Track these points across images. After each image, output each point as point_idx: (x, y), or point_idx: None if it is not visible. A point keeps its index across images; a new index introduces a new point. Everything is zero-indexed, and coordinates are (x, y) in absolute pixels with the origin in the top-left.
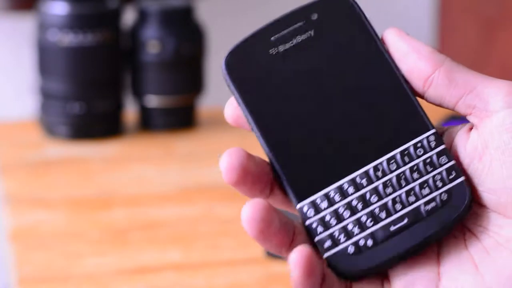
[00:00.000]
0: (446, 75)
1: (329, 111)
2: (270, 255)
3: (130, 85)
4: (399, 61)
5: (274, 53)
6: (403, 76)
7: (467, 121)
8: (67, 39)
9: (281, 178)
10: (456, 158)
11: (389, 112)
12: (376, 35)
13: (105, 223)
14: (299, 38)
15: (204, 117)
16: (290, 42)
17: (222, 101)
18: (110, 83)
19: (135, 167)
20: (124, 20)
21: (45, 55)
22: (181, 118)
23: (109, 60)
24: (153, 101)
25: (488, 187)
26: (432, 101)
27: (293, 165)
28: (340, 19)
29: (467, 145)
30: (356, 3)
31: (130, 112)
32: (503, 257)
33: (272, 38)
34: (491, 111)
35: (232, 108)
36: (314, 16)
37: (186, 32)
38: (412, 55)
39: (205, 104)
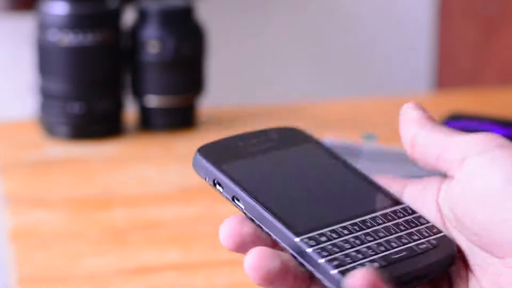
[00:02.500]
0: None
1: (304, 187)
2: None
3: (130, 85)
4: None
5: (242, 150)
6: (360, 172)
7: (468, 121)
8: (67, 39)
9: (276, 226)
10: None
11: (361, 193)
12: (328, 147)
13: (105, 223)
14: (263, 146)
15: (204, 117)
16: (256, 147)
17: (222, 101)
18: (110, 83)
19: (135, 167)
20: (124, 20)
21: (45, 55)
22: (181, 118)
23: (109, 60)
24: (153, 101)
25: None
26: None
27: (286, 212)
28: (295, 138)
29: (443, 195)
30: (304, 130)
31: (130, 112)
32: None
33: (240, 143)
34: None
35: (231, 228)
36: (274, 136)
37: (186, 32)
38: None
39: (205, 104)
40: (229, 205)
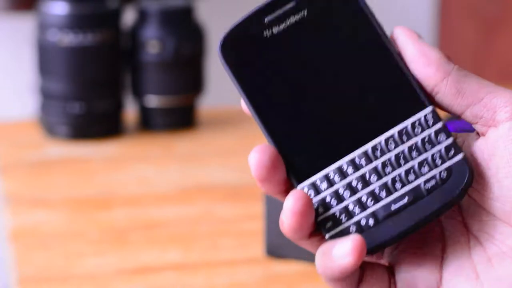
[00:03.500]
0: (454, 85)
1: (325, 93)
2: (270, 255)
3: (130, 85)
4: (407, 64)
5: (268, 35)
6: (399, 55)
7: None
8: (67, 39)
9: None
10: None
11: (385, 91)
12: (371, 14)
13: (105, 223)
14: (292, 19)
15: (204, 117)
16: (284, 23)
17: (222, 101)
18: (110, 83)
19: (135, 167)
20: (124, 20)
21: (45, 55)
22: (181, 118)
23: (109, 60)
24: (153, 101)
25: (494, 194)
26: (439, 107)
27: (291, 147)
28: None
29: (474, 152)
30: None
31: (130, 112)
32: (504, 266)
33: (266, 20)
34: (498, 121)
35: None
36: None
37: (186, 32)
38: (420, 61)
39: (205, 104)
40: (229, 206)
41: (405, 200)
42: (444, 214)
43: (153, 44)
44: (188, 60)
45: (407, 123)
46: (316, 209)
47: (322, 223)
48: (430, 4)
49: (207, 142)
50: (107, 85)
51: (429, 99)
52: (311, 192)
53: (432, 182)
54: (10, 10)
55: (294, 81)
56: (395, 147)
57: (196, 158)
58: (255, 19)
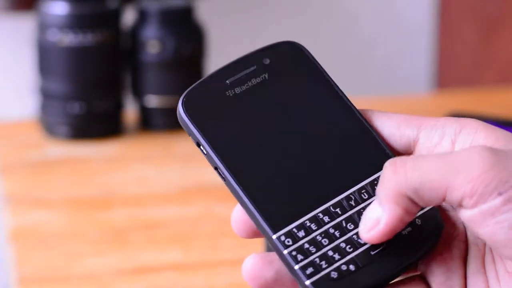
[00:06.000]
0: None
1: (294, 147)
2: None
3: (130, 85)
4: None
5: (230, 95)
6: (359, 113)
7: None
8: (67, 39)
9: (253, 213)
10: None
11: (353, 146)
12: (326, 73)
13: (105, 223)
14: (254, 81)
15: None
16: (245, 85)
17: None
18: (110, 83)
19: (135, 167)
20: (124, 20)
21: (45, 55)
22: None
23: (109, 60)
24: (153, 101)
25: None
26: None
27: (265, 200)
28: (291, 63)
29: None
30: (304, 47)
31: (130, 112)
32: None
33: (228, 81)
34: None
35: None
36: (266, 61)
37: (186, 32)
38: None
39: None
40: (229, 206)
41: (383, 246)
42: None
43: (153, 44)
44: (188, 60)
45: (378, 175)
46: (295, 257)
47: (302, 269)
48: (430, 4)
49: None
50: (107, 85)
51: (395, 152)
52: (288, 241)
53: (408, 229)
54: (10, 10)
55: (260, 137)
56: (368, 197)
57: (196, 158)
58: (217, 79)
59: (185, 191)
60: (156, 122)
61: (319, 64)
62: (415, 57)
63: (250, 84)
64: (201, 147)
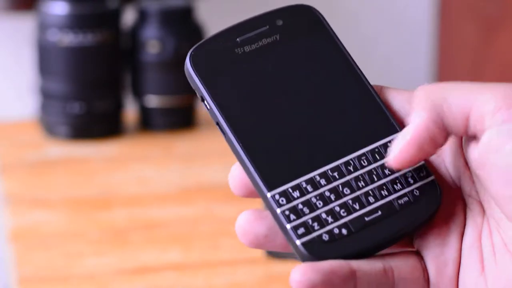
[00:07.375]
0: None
1: (298, 109)
2: (270, 255)
3: (130, 85)
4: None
5: (239, 52)
6: (368, 83)
7: None
8: (67, 39)
9: (250, 170)
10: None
11: (357, 112)
12: (339, 40)
13: (105, 223)
14: (264, 41)
15: (204, 117)
16: (256, 44)
17: None
18: (110, 83)
19: (135, 167)
20: (124, 20)
21: (45, 55)
22: (181, 118)
23: (109, 60)
24: (153, 101)
25: (490, 194)
26: None
27: (263, 158)
28: (305, 27)
29: (470, 156)
30: (319, 11)
31: (130, 112)
32: (504, 260)
33: (238, 39)
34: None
35: (236, 177)
36: (279, 22)
37: (186, 32)
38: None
39: None
40: (229, 206)
41: (379, 213)
42: (419, 230)
43: (153, 44)
44: None
45: (380, 143)
46: (287, 216)
47: (294, 229)
48: (430, 4)
49: (207, 142)
50: (107, 85)
51: (402, 126)
52: (282, 200)
53: (405, 199)
54: (10, 10)
55: (265, 96)
56: (367, 165)
57: (196, 158)
58: (227, 36)
59: (185, 191)
60: (156, 122)
61: (332, 31)
62: (415, 57)
63: (260, 43)
64: (204, 101)
